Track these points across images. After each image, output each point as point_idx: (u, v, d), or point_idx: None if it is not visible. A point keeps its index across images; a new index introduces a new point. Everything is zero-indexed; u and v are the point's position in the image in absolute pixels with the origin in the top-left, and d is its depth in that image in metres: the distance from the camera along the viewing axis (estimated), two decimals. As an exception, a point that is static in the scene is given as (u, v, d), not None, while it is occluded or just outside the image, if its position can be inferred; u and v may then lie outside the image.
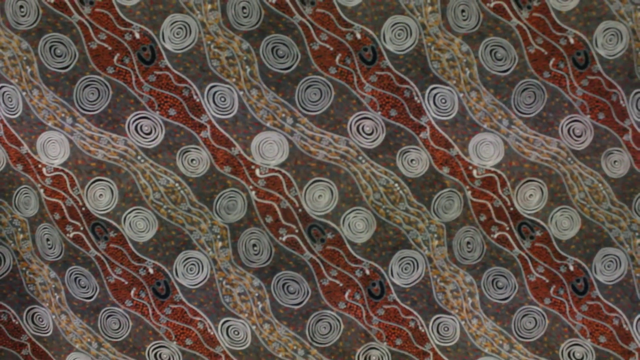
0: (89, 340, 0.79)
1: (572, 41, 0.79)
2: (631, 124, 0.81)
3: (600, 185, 0.80)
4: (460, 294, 0.80)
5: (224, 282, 0.78)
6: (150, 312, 0.78)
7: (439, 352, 0.81)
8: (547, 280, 0.81)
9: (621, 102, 0.80)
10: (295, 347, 0.79)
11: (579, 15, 0.79)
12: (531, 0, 0.79)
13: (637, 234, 0.81)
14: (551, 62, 0.79)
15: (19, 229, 0.80)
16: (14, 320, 0.82)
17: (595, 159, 0.81)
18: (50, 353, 0.81)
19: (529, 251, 0.81)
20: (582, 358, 0.82)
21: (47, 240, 0.78)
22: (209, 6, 0.75)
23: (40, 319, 0.81)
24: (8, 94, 0.76)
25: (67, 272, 0.78)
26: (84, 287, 0.78)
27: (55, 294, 0.80)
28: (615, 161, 0.81)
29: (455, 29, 0.78)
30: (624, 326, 0.81)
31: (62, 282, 0.79)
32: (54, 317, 0.80)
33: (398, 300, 0.79)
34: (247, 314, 0.78)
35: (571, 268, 0.82)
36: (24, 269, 0.81)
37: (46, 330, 0.81)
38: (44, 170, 0.77)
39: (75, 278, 0.78)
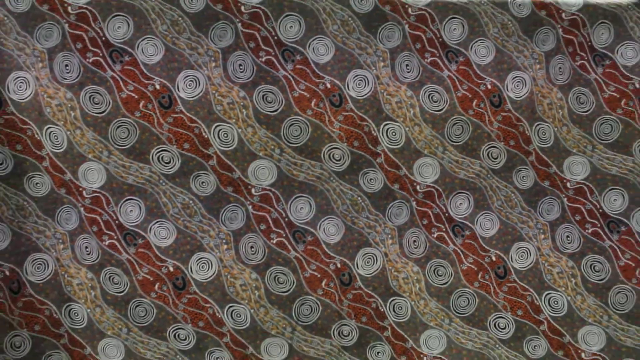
0: (119, 327, 1.09)
1: (489, 86, 1.14)
2: (534, 149, 1.16)
3: (512, 194, 1.16)
4: (409, 281, 1.14)
5: (228, 277, 1.10)
6: (171, 301, 1.09)
7: (395, 327, 1.15)
8: (476, 268, 1.16)
9: (526, 132, 1.16)
10: (284, 325, 1.12)
11: (493, 67, 1.15)
12: (458, 56, 1.13)
13: (541, 231, 1.17)
14: (474, 103, 1.14)
15: (60, 240, 1.10)
16: (54, 315, 1.11)
17: (508, 175, 1.17)
18: (84, 341, 1.11)
19: (460, 246, 1.16)
20: (505, 327, 1.17)
21: (86, 248, 1.08)
22: (213, 64, 1.08)
23: (76, 314, 1.10)
24: (54, 133, 1.06)
25: (103, 272, 1.09)
26: (117, 284, 1.08)
27: (92, 291, 1.09)
28: (523, 176, 1.17)
29: (401, 79, 1.12)
30: (535, 301, 1.16)
31: (97, 280, 1.09)
32: (89, 310, 1.09)
33: (362, 286, 1.13)
34: (246, 300, 1.11)
35: (493, 258, 1.17)
36: (63, 273, 1.10)
37: (81, 322, 1.10)
38: (84, 192, 1.07)
39: (110, 277, 1.08)
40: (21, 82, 1.10)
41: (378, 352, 1.16)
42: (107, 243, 1.13)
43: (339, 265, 1.14)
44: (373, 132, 1.13)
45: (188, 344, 1.14)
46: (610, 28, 1.19)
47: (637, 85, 1.18)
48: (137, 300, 1.13)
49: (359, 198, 1.13)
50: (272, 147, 1.12)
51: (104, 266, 1.12)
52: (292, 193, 1.13)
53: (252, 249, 1.13)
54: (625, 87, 1.18)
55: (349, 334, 1.16)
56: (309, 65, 1.11)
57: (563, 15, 1.17)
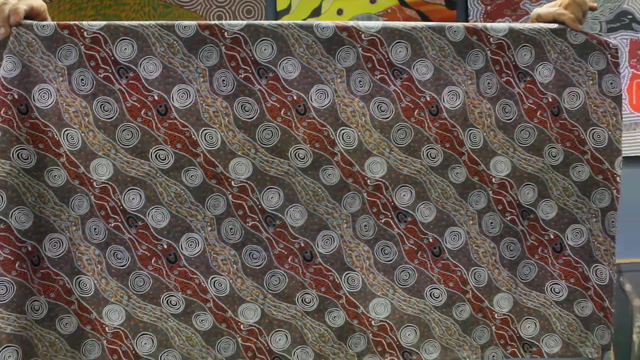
0: (121, 295, 1.33)
1: (428, 99, 1.37)
2: (467, 150, 1.40)
3: (447, 188, 1.39)
4: (361, 258, 1.37)
5: (212, 253, 1.34)
6: (164, 273, 1.32)
7: (349, 296, 1.37)
8: (415, 248, 1.39)
9: (460, 136, 1.39)
10: (257, 294, 1.35)
11: (432, 82, 1.38)
12: (402, 74, 1.37)
13: (470, 218, 1.41)
14: (415, 112, 1.37)
15: (73, 223, 1.32)
16: (67, 285, 1.34)
17: (444, 172, 1.39)
18: (90, 308, 1.35)
19: (403, 230, 1.39)
20: (439, 296, 1.40)
21: (95, 229, 1.32)
22: (201, 79, 1.31)
23: (84, 284, 1.33)
24: (71, 135, 1.29)
25: (108, 249, 1.32)
26: (120, 259, 1.32)
27: (98, 265, 1.33)
28: (457, 173, 1.39)
29: (355, 93, 1.35)
30: (463, 275, 1.41)
31: (103, 257, 1.33)
32: (95, 282, 1.33)
33: (322, 262, 1.36)
34: (226, 272, 1.34)
35: (430, 240, 1.40)
36: (74, 250, 1.33)
37: (88, 292, 1.33)
38: (94, 183, 1.30)
39: (114, 253, 1.32)
40: (44, 93, 1.29)
41: (335, 317, 1.37)
42: (112, 225, 1.32)
43: (302, 245, 1.35)
44: (331, 135, 1.34)
45: (178, 308, 1.34)
46: (531, 50, 1.39)
47: (550, 100, 1.39)
48: (136, 272, 1.32)
49: (320, 190, 1.34)
50: (249, 147, 1.33)
51: (109, 244, 1.32)
52: (264, 185, 1.34)
53: (232, 231, 1.33)
54: (540, 101, 1.39)
55: (310, 301, 1.35)
56: (279, 81, 1.33)
57: (491, 39, 1.38)
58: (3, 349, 1.24)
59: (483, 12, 3.02)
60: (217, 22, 1.31)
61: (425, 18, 2.99)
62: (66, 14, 2.91)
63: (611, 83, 1.39)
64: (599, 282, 1.42)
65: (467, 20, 2.98)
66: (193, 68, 1.33)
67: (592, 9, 1.42)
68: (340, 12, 3.01)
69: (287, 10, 2.98)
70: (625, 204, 1.85)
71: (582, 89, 1.40)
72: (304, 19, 2.96)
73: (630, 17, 2.95)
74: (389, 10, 3.02)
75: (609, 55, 1.40)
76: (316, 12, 3.02)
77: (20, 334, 1.27)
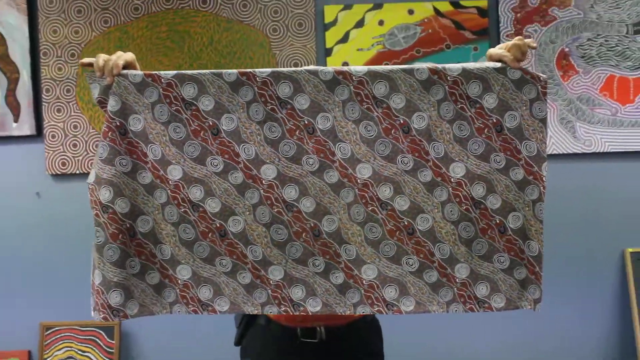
0: (188, 258, 1.85)
1: (401, 121, 1.88)
2: (431, 158, 1.91)
3: (418, 185, 1.86)
4: (355, 235, 1.85)
5: (249, 230, 1.84)
6: (217, 243, 1.86)
7: (347, 262, 1.86)
8: (394, 229, 1.83)
9: (425, 147, 1.86)
10: (281, 259, 1.88)
11: (404, 110, 1.83)
12: (382, 104, 1.88)
13: (435, 207, 1.89)
14: (392, 131, 1.85)
15: (156, 209, 1.84)
16: (152, 251, 1.82)
17: (415, 174, 1.82)
18: (168, 266, 1.85)
19: (385, 215, 1.86)
20: (412, 264, 1.96)
21: (170, 213, 1.82)
22: (241, 110, 1.89)
23: (164, 250, 1.81)
24: (154, 149, 1.88)
25: (180, 227, 1.83)
26: (187, 233, 1.83)
27: (173, 237, 1.82)
28: (424, 174, 1.82)
29: (348, 118, 1.85)
30: (431, 249, 1.91)
31: (177, 231, 1.83)
32: (171, 249, 1.79)
33: (327, 237, 1.88)
34: (260, 244, 1.84)
35: (405, 223, 1.87)
36: (157, 227, 1.82)
37: (167, 255, 1.83)
38: (170, 182, 1.83)
39: (184, 229, 1.85)
40: (136, 121, 1.80)
41: (336, 277, 1.84)
42: (182, 210, 1.81)
43: (312, 225, 1.84)
44: (332, 148, 1.82)
45: (227, 268, 1.83)
46: (479, 84, 1.80)
47: (494, 120, 1.84)
48: (198, 242, 1.83)
49: (324, 186, 1.82)
50: (274, 157, 1.83)
51: (180, 223, 1.83)
52: (285, 183, 1.82)
53: (263, 215, 1.83)
54: (487, 121, 1.82)
55: (319, 265, 1.84)
56: (295, 110, 1.82)
57: (448, 77, 1.81)
58: (111, 291, 1.81)
59: (513, 19, 3.51)
60: (250, 70, 1.81)
61: (459, 26, 3.52)
62: (144, 31, 3.60)
63: (539, 108, 1.83)
64: (531, 254, 1.85)
65: (498, 27, 3.48)
66: (235, 102, 1.81)
67: (532, 47, 1.80)
68: (381, 23, 3.54)
69: (333, 23, 3.55)
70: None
71: (518, 113, 1.83)
72: (348, 31, 3.53)
73: (656, 19, 3.38)
74: (425, 20, 3.56)
75: (539, 86, 1.82)
76: (360, 24, 3.57)
77: (122, 282, 1.81)
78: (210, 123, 1.85)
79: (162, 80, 1.83)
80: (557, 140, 3.37)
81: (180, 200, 1.86)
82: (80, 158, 3.42)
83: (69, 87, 3.52)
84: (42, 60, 3.43)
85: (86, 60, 1.83)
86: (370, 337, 2.13)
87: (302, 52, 3.51)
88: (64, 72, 3.54)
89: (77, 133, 3.44)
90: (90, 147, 3.50)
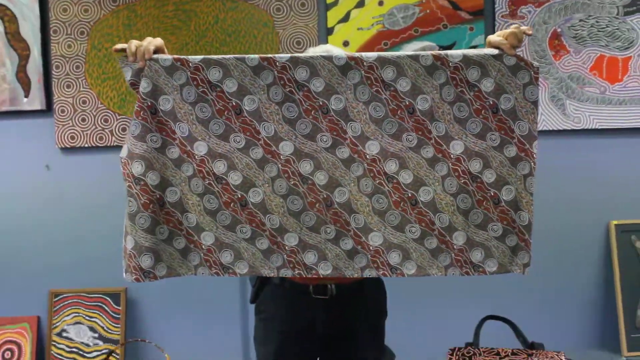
0: (212, 225, 2.02)
1: (407, 103, 2.08)
2: (434, 136, 2.18)
3: (421, 161, 2.11)
4: (363, 205, 2.08)
5: (268, 200, 2.01)
6: (239, 212, 2.03)
7: (355, 230, 2.10)
8: (399, 200, 2.10)
9: (429, 127, 2.14)
10: (296, 227, 2.07)
11: (410, 93, 2.10)
12: (390, 87, 2.13)
13: (436, 180, 2.14)
14: (398, 112, 2.09)
15: (183, 181, 2.02)
16: (179, 219, 1.97)
17: (418, 150, 2.06)
18: (194, 232, 2.02)
19: (391, 188, 2.11)
20: (415, 232, 2.18)
21: (196, 184, 2.02)
22: (262, 92, 2.11)
23: (190, 219, 1.99)
24: (181, 126, 2.12)
25: (204, 197, 2.02)
26: (211, 203, 2.04)
27: (198, 206, 1.99)
28: (427, 151, 2.06)
29: (359, 99, 2.06)
30: (432, 219, 2.19)
31: (201, 201, 2.04)
32: (197, 217, 1.99)
33: (338, 207, 2.08)
34: (277, 213, 2.07)
35: (409, 195, 2.11)
36: (184, 197, 1.98)
37: (192, 223, 2.00)
38: (196, 156, 2.00)
39: (208, 200, 2.04)
40: (166, 101, 1.97)
41: (346, 243, 2.01)
42: (207, 182, 1.99)
43: (325, 196, 2.00)
44: (344, 127, 1.99)
45: (247, 235, 2.00)
46: (478, 70, 1.97)
47: (491, 102, 1.98)
48: (221, 211, 2.01)
49: (336, 161, 1.99)
50: (292, 135, 1.99)
51: (205, 194, 1.99)
52: (301, 158, 1.99)
53: (280, 187, 2.00)
54: (484, 103, 1.98)
55: (330, 232, 2.01)
56: (310, 92, 1.99)
57: (450, 63, 1.97)
58: (143, 255, 1.98)
59: (508, 0, 3.72)
60: (271, 55, 1.97)
61: (456, 7, 3.72)
62: (151, 10, 3.77)
63: (531, 92, 2.00)
64: (522, 223, 2.03)
65: (493, 8, 3.67)
66: (257, 85, 1.97)
67: (527, 34, 1.99)
68: (381, 3, 3.73)
69: (335, 3, 3.72)
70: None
71: (512, 96, 1.99)
72: (349, 11, 3.71)
73: (645, 1, 3.56)
74: (423, 1, 3.75)
75: (532, 72, 1.98)
76: (360, 4, 3.76)
77: (152, 247, 1.99)
78: (234, 103, 2.02)
79: (190, 64, 1.99)
80: (547, 117, 3.53)
81: (205, 173, 2.03)
82: (89, 132, 3.53)
83: (78, 64, 3.68)
84: (52, 38, 3.53)
85: (119, 46, 1.99)
86: (376, 294, 2.33)
87: (305, 31, 3.68)
88: (73, 49, 3.68)
89: (86, 108, 3.57)
90: (98, 122, 3.67)
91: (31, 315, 3.54)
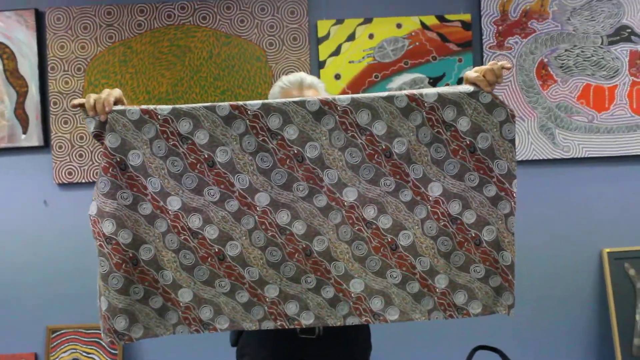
0: (189, 281, 1.89)
1: (383, 146, 1.91)
2: (411, 179, 2.02)
3: (399, 205, 1.93)
4: (343, 252, 1.95)
5: (246, 253, 1.90)
6: (216, 266, 1.90)
7: (336, 277, 1.96)
8: (379, 245, 1.95)
9: (406, 170, 1.97)
10: (276, 278, 1.95)
11: (385, 136, 1.96)
12: (366, 131, 1.98)
13: (415, 224, 1.96)
14: (375, 156, 1.95)
15: (157, 237, 1.88)
16: (155, 277, 1.88)
17: (397, 194, 1.92)
18: (170, 290, 1.89)
19: (371, 234, 1.96)
20: (396, 277, 2.04)
21: (171, 240, 1.86)
22: (235, 142, 2.00)
23: (166, 276, 1.89)
24: (153, 182, 1.89)
25: (180, 253, 1.85)
26: (188, 259, 1.88)
27: (174, 263, 1.85)
28: (405, 194, 1.92)
29: (335, 145, 1.94)
30: (413, 262, 2.01)
31: (177, 257, 1.85)
32: (173, 274, 1.83)
33: (317, 256, 1.97)
34: (256, 265, 1.90)
35: (389, 239, 1.97)
36: (158, 254, 1.88)
37: (169, 280, 1.85)
38: (169, 212, 1.84)
39: (184, 255, 1.87)
40: (135, 156, 1.85)
41: (327, 291, 1.90)
42: (182, 238, 1.87)
43: (304, 246, 1.89)
44: (320, 175, 1.88)
45: (226, 289, 1.89)
46: (454, 109, 1.87)
47: (468, 142, 1.89)
48: (199, 266, 1.89)
49: (314, 210, 1.89)
50: (267, 185, 1.88)
51: (180, 250, 1.88)
52: (278, 208, 1.89)
53: (258, 238, 1.89)
54: (461, 143, 1.89)
55: (311, 281, 1.90)
56: (285, 141, 1.87)
57: (425, 104, 1.87)
58: (117, 317, 1.84)
59: (495, 31, 3.61)
60: (242, 103, 1.85)
61: (444, 39, 3.62)
62: (147, 46, 3.69)
63: (508, 130, 1.90)
64: (505, 263, 1.93)
65: (481, 39, 3.58)
66: (229, 135, 1.85)
67: (506, 68, 1.86)
68: (371, 36, 3.64)
69: (326, 37, 3.64)
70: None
71: (489, 134, 1.90)
72: (340, 44, 3.62)
73: (629, 30, 3.49)
74: (412, 34, 3.66)
75: (508, 109, 1.88)
76: (351, 37, 3.67)
77: (127, 307, 1.85)
78: (206, 156, 1.91)
79: (159, 116, 1.87)
80: (537, 147, 3.45)
81: (180, 228, 1.91)
82: (86, 168, 3.46)
83: (75, 101, 3.59)
84: (49, 75, 3.48)
85: (77, 101, 1.87)
86: (363, 328, 2.22)
87: (297, 65, 3.60)
88: (70, 85, 3.61)
89: (83, 144, 3.49)
90: (96, 158, 3.59)
91: (28, 352, 3.42)
